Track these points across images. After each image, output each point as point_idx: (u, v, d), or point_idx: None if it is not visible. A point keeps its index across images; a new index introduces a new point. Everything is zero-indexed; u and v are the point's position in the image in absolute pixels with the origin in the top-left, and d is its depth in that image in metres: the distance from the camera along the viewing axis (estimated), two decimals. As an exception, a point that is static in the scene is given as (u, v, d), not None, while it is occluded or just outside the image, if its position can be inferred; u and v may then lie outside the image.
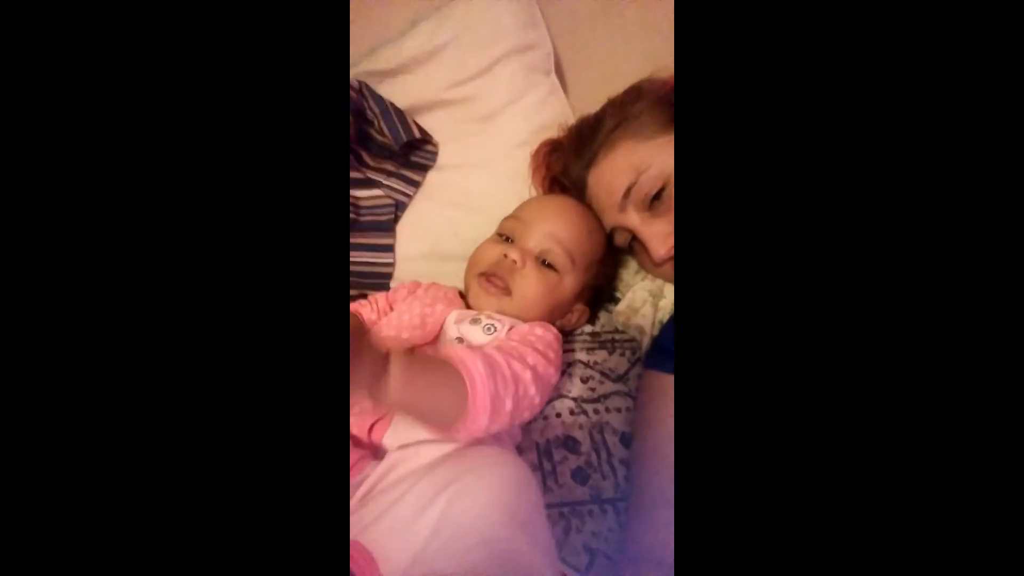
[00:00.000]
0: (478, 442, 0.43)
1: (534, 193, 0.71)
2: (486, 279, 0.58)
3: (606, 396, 0.64)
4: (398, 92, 0.75)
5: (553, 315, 0.60)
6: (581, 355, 0.66)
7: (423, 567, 0.33)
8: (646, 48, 0.76)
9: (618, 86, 0.66)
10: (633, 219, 0.60)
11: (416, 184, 0.76)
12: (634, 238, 0.63)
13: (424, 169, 0.77)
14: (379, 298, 0.64)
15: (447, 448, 0.42)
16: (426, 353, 0.51)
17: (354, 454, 0.43)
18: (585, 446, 0.60)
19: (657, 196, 0.58)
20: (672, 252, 0.58)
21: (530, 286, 0.58)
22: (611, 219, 0.62)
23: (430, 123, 0.77)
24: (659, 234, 0.58)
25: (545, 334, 0.54)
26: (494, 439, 0.49)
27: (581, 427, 0.61)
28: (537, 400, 0.47)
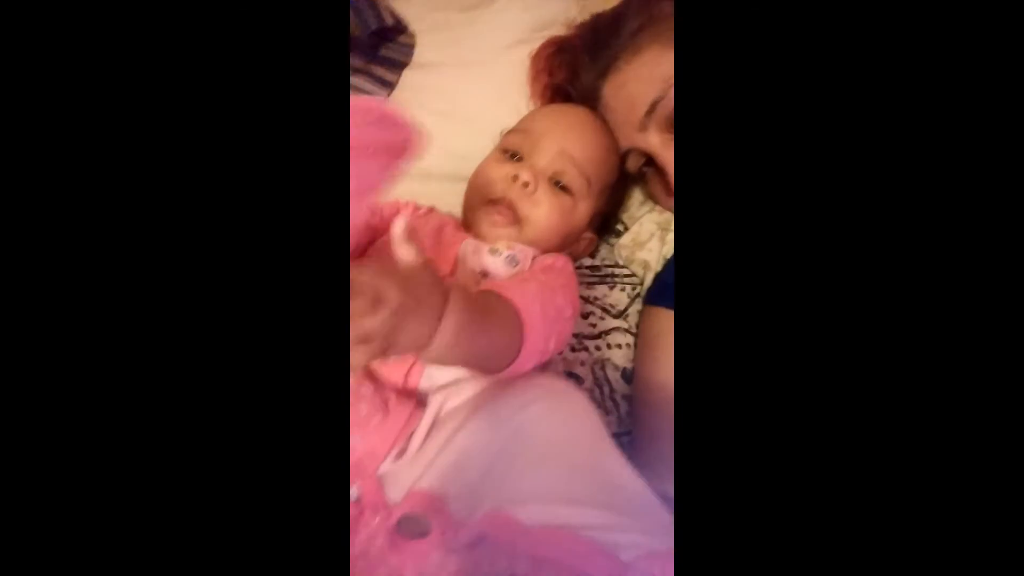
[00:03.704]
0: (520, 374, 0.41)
1: (531, 105, 0.62)
2: (494, 209, 0.51)
3: (606, 332, 0.61)
4: (366, -36, 0.60)
5: (564, 245, 0.55)
6: (581, 290, 0.62)
7: (499, 496, 0.34)
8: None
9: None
10: (654, 141, 0.53)
11: (389, 85, 0.64)
12: (647, 163, 0.57)
13: (398, 67, 0.64)
14: (385, 207, 0.55)
15: (485, 382, 0.41)
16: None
17: (403, 410, 0.40)
18: (588, 382, 0.57)
19: None
20: None
21: (543, 213, 0.51)
22: (627, 139, 0.55)
23: (405, 9, 0.63)
24: None
25: (566, 266, 0.49)
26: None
27: (583, 363, 0.58)
28: (570, 336, 0.46)
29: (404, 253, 0.32)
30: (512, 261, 0.48)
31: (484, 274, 0.48)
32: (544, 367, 0.54)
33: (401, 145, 0.34)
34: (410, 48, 0.64)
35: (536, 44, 0.61)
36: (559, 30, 0.61)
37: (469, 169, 0.63)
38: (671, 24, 0.52)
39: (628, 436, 0.55)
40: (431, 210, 0.56)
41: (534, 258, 0.50)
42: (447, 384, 0.42)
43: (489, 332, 0.37)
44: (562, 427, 0.37)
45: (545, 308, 0.40)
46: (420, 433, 0.40)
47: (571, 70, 0.58)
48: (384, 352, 0.29)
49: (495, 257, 0.48)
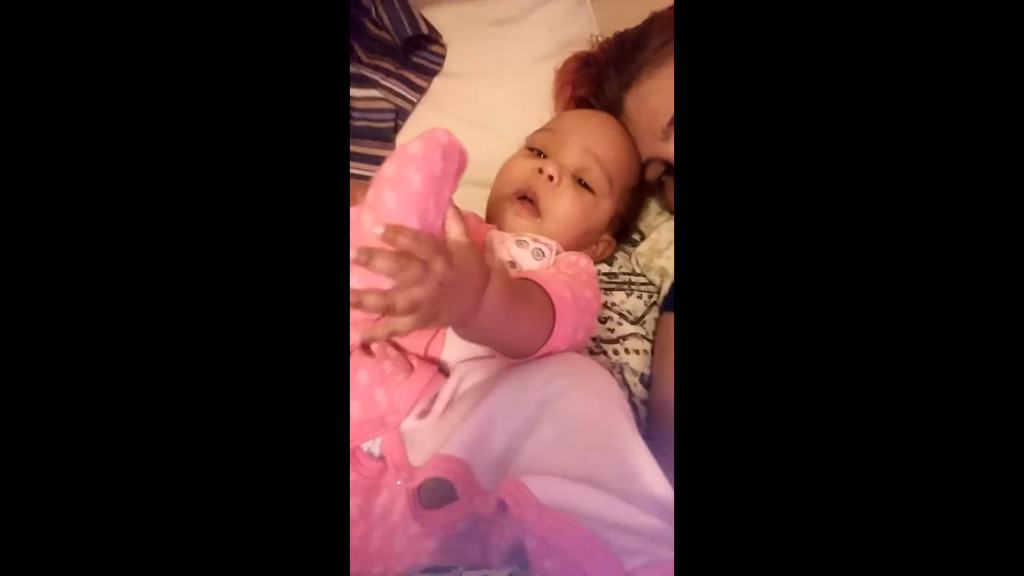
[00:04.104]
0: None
1: (553, 115, 0.64)
2: (519, 200, 0.52)
3: (624, 337, 0.61)
4: (403, -24, 0.64)
5: (583, 242, 0.56)
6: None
7: (518, 466, 0.34)
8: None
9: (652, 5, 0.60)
10: (674, 150, 0.55)
11: (420, 90, 0.66)
12: (665, 172, 0.59)
13: (429, 73, 0.67)
14: None
15: (507, 362, 0.41)
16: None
17: (427, 371, 0.41)
18: (606, 386, 0.57)
19: None
20: None
21: (564, 207, 0.52)
22: (649, 148, 0.57)
23: (438, 20, 0.66)
24: None
25: (588, 265, 0.50)
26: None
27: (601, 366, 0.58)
28: (593, 331, 0.46)
29: (455, 231, 0.33)
30: (539, 253, 0.49)
31: (512, 264, 0.49)
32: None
33: (459, 168, 0.36)
34: (441, 56, 0.67)
35: (561, 59, 0.64)
36: (583, 47, 0.64)
37: (491, 176, 0.64)
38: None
39: (647, 441, 0.54)
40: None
41: (557, 253, 0.50)
42: (469, 359, 0.42)
43: (525, 315, 0.37)
44: (587, 404, 0.37)
45: (576, 298, 0.41)
46: (443, 397, 0.40)
47: (595, 83, 0.61)
48: (427, 322, 0.29)
49: (522, 249, 0.49)
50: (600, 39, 0.63)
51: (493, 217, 0.55)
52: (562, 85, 0.64)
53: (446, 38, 0.67)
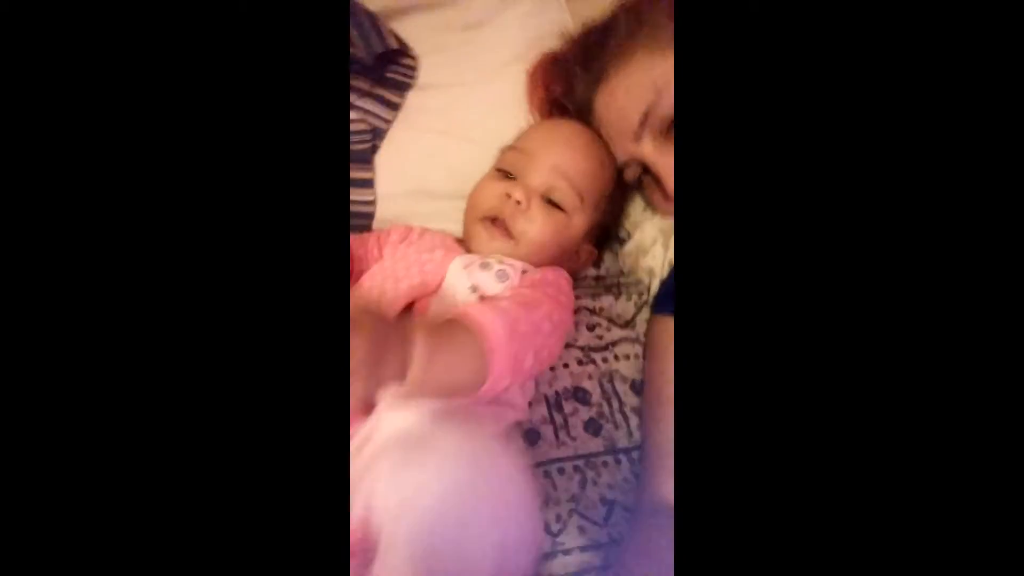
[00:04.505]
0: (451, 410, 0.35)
1: (531, 121, 0.63)
2: (491, 223, 0.52)
3: (614, 343, 0.60)
4: (365, -10, 0.62)
5: (561, 258, 0.55)
6: (586, 301, 0.62)
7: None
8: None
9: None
10: (648, 150, 0.53)
11: (395, 107, 0.66)
12: (645, 171, 0.57)
13: (403, 88, 0.66)
14: (369, 238, 0.57)
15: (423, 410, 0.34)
16: (430, 317, 0.46)
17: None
18: (596, 396, 0.57)
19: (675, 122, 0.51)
20: None
21: (535, 229, 0.52)
22: (623, 149, 0.55)
23: (407, 31, 0.65)
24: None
25: (557, 278, 0.50)
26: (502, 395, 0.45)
27: (590, 377, 0.58)
28: (556, 350, 0.47)
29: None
30: (502, 276, 0.49)
31: (474, 289, 0.49)
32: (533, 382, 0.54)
33: None
34: (414, 69, 0.66)
35: (531, 60, 0.62)
36: (554, 43, 0.61)
37: (470, 187, 0.64)
38: (662, 30, 0.51)
39: (638, 451, 0.54)
40: (424, 231, 0.57)
41: (524, 272, 0.50)
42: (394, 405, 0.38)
43: (451, 358, 0.37)
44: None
45: (515, 326, 0.41)
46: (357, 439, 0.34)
47: (566, 83, 0.58)
48: (374, 385, 0.31)
49: (486, 272, 0.49)
50: (572, 33, 0.60)
51: (468, 240, 0.55)
52: (534, 87, 0.62)
53: (416, 49, 0.65)
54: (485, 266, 0.50)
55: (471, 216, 0.54)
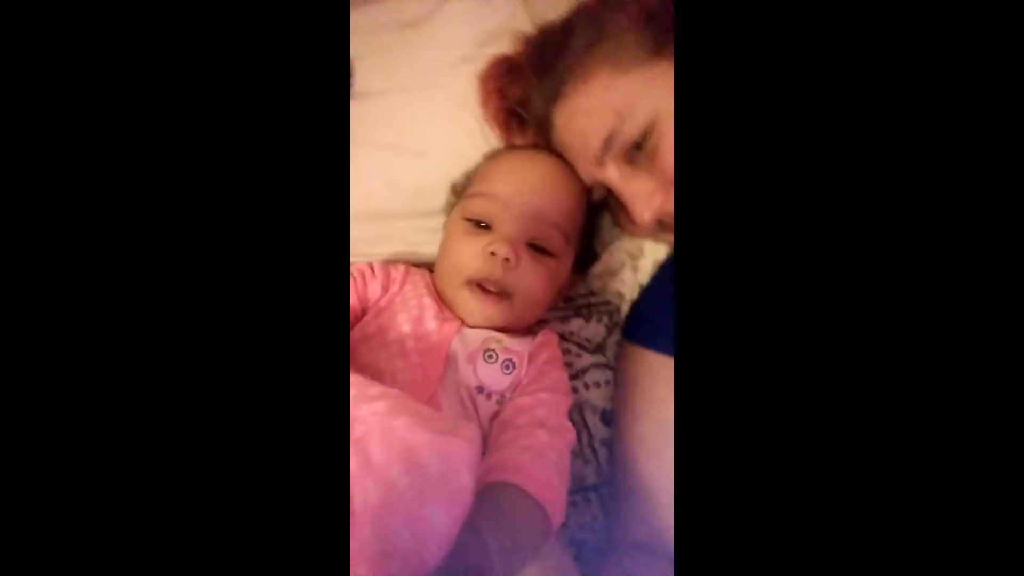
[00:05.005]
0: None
1: (485, 130, 0.56)
2: (479, 288, 0.47)
3: (584, 371, 0.58)
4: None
5: (554, 303, 0.53)
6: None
7: None
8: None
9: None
10: (612, 174, 0.48)
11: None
12: (611, 193, 0.52)
13: (338, 98, 0.58)
14: (377, 269, 0.53)
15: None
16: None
17: None
18: (566, 431, 0.55)
19: (639, 145, 0.46)
20: (658, 215, 0.48)
21: (529, 282, 0.48)
22: (587, 174, 0.50)
23: (336, 30, 0.57)
24: (642, 193, 0.47)
25: (555, 352, 0.50)
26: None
27: (560, 410, 0.56)
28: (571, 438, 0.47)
29: None
30: (508, 366, 0.46)
31: (480, 389, 0.45)
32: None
33: None
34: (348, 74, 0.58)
35: (482, 62, 0.55)
36: (506, 43, 0.54)
37: (426, 204, 0.58)
38: (623, 41, 0.46)
39: (608, 487, 0.53)
40: (409, 270, 0.53)
41: (528, 355, 0.47)
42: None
43: (525, 534, 0.38)
44: None
45: (562, 470, 0.42)
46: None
47: (523, 91, 0.52)
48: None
49: (491, 364, 0.46)
50: (524, 36, 0.53)
51: (453, 307, 0.49)
52: (488, 95, 0.55)
53: (351, 52, 0.57)
54: (489, 357, 0.46)
55: (453, 281, 0.49)
